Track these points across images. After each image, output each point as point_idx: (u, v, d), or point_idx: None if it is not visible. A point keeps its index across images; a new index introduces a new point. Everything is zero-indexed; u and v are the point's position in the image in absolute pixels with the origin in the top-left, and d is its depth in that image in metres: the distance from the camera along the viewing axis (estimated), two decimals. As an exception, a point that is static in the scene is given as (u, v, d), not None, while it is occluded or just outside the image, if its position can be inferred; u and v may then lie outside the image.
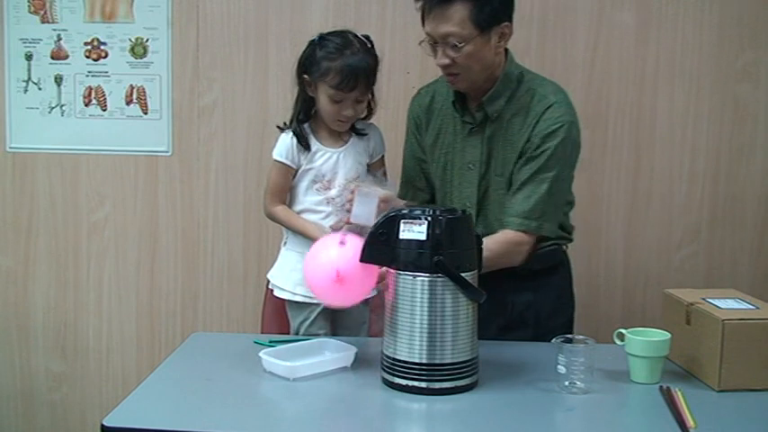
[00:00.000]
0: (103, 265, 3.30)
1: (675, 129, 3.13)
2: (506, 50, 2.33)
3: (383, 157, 2.47)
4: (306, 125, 2.38)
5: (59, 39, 3.20)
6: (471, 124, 2.34)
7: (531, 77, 2.34)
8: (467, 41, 2.18)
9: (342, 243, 1.98)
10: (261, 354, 2.04)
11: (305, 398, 1.94)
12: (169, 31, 3.18)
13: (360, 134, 2.40)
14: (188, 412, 1.84)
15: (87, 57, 3.20)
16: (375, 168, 2.44)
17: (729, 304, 2.05)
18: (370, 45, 2.33)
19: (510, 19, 2.27)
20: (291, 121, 2.39)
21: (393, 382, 1.92)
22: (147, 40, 3.18)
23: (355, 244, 1.97)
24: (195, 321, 3.27)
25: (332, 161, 2.36)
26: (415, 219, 1.91)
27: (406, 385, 1.90)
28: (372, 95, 2.39)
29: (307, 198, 2.38)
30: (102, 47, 3.20)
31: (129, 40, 3.19)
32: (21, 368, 3.36)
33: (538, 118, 2.25)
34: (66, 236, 3.30)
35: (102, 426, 1.72)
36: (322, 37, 2.33)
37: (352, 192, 2.25)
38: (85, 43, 3.20)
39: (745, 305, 2.05)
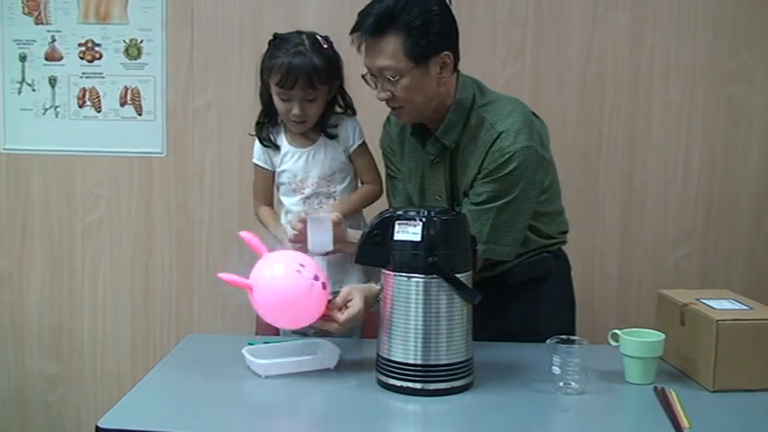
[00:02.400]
0: (98, 267, 3.30)
1: (670, 129, 3.14)
2: (458, 74, 2.23)
3: (364, 145, 2.43)
4: (278, 127, 2.42)
5: (53, 40, 3.20)
6: (432, 155, 2.28)
7: (483, 102, 2.22)
8: (402, 75, 2.10)
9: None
10: (243, 350, 2.05)
11: (300, 400, 1.94)
12: (163, 32, 3.18)
13: (329, 136, 2.39)
14: (183, 414, 1.84)
15: (81, 58, 3.20)
16: (358, 160, 2.42)
17: (723, 305, 2.05)
18: (326, 45, 2.31)
19: (452, 47, 2.16)
20: (256, 124, 2.43)
21: (388, 384, 1.92)
22: (142, 42, 3.18)
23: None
24: (190, 322, 3.27)
25: (302, 161, 2.38)
26: (409, 220, 1.91)
27: (401, 386, 1.90)
28: (341, 93, 2.39)
29: (286, 199, 2.42)
30: (96, 48, 3.19)
31: (124, 41, 3.18)
32: (15, 369, 3.36)
33: (486, 150, 2.15)
34: (60, 237, 3.29)
35: (97, 427, 1.71)
36: (275, 36, 2.35)
37: (303, 221, 2.20)
38: (80, 44, 3.19)
39: (739, 306, 2.05)
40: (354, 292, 2.08)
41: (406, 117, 2.24)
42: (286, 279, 2.00)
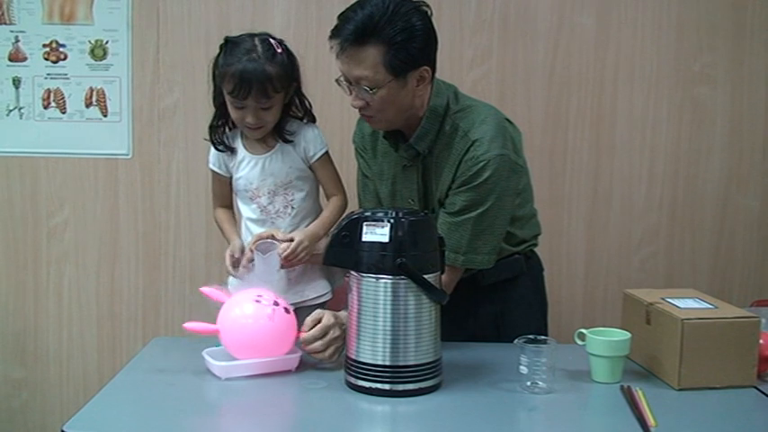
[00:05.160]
0: (63, 270, 3.26)
1: (635, 131, 3.17)
2: (433, 79, 2.19)
3: (327, 154, 2.36)
4: (234, 131, 2.35)
5: (17, 40, 3.16)
6: (405, 159, 2.27)
7: (457, 109, 2.21)
8: (379, 86, 2.07)
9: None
10: (203, 352, 2.05)
11: (269, 402, 1.94)
12: (129, 32, 3.15)
13: (285, 141, 2.31)
14: (150, 418, 1.82)
15: (46, 59, 3.17)
16: (321, 170, 2.36)
17: (688, 304, 2.07)
18: (279, 50, 2.24)
19: (430, 62, 2.14)
20: (210, 128, 2.36)
21: (357, 385, 1.92)
22: (107, 42, 3.15)
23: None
24: (157, 326, 3.25)
25: (257, 168, 2.31)
26: (377, 221, 1.91)
27: (370, 387, 1.90)
28: (300, 98, 2.33)
29: (243, 207, 2.37)
30: (60, 49, 3.16)
31: (89, 41, 3.15)
32: (-21, 375, 3.32)
33: (460, 158, 2.15)
34: (24, 240, 3.25)
35: (62, 432, 1.70)
36: (227, 41, 2.27)
37: (251, 251, 2.20)
38: (44, 45, 3.16)
39: (704, 305, 2.08)
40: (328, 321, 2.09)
41: (379, 125, 2.23)
42: (248, 313, 2.04)
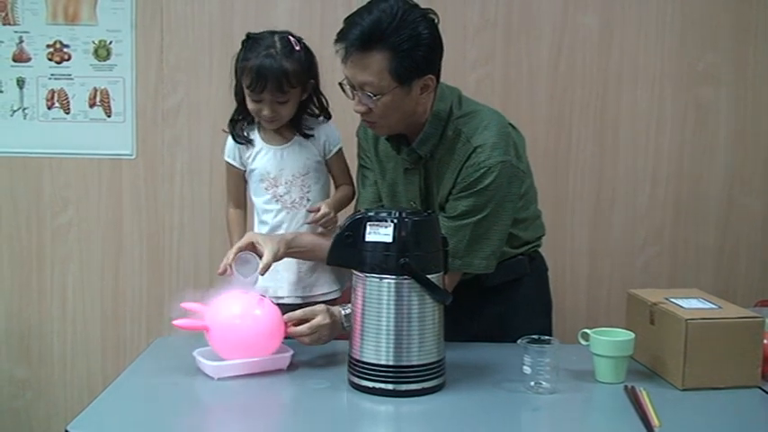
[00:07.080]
0: (67, 270, 3.27)
1: (639, 131, 3.17)
2: (437, 87, 2.17)
3: (341, 150, 2.42)
4: (252, 124, 2.39)
5: (21, 41, 3.17)
6: (407, 162, 2.26)
7: (460, 114, 2.19)
8: (384, 93, 2.06)
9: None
10: (194, 353, 2.05)
11: (273, 402, 1.94)
12: (133, 33, 3.16)
13: (304, 135, 2.37)
14: (154, 418, 1.82)
15: (50, 59, 3.17)
16: (335, 165, 2.42)
17: (692, 304, 2.07)
18: (298, 47, 2.28)
19: (435, 70, 2.12)
20: (230, 121, 2.41)
21: (360, 385, 1.92)
22: (111, 43, 3.16)
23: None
24: (161, 326, 3.24)
25: (276, 158, 2.35)
26: (380, 221, 1.91)
27: (373, 387, 1.90)
28: (317, 96, 2.37)
29: (258, 198, 2.39)
30: (64, 49, 3.17)
31: (93, 42, 3.16)
32: (-17, 375, 3.32)
33: (462, 164, 2.13)
34: (29, 240, 3.26)
35: (66, 432, 1.70)
36: (249, 37, 2.32)
37: (233, 261, 2.20)
38: (48, 45, 3.17)
39: (707, 305, 2.07)
40: (317, 308, 2.12)
41: (380, 130, 2.22)
42: (236, 313, 2.07)
